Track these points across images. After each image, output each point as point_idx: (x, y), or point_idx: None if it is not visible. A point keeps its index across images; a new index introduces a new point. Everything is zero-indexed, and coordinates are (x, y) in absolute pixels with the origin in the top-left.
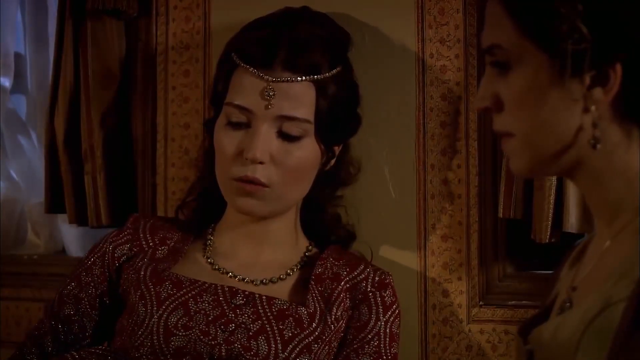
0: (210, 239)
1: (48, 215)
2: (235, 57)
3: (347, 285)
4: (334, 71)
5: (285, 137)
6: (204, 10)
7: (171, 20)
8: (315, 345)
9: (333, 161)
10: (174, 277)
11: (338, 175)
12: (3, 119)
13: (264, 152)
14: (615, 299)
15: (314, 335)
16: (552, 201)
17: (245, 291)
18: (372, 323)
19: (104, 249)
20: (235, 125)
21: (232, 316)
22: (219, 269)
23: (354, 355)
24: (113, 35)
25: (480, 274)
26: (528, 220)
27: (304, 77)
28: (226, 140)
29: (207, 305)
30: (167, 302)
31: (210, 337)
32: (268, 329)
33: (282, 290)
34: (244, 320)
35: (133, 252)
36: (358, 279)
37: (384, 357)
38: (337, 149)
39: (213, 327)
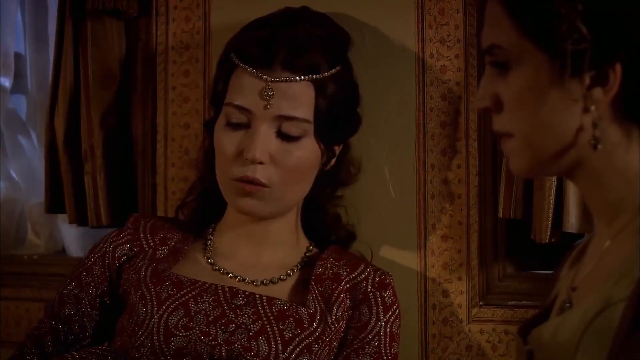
0: (210, 239)
1: (48, 215)
2: (235, 57)
3: (348, 286)
4: (333, 71)
5: (285, 137)
6: (204, 10)
7: (171, 20)
8: (316, 346)
9: (333, 161)
10: (175, 277)
11: (338, 175)
12: (3, 119)
13: (264, 152)
14: (615, 299)
15: (315, 336)
16: (552, 201)
17: (246, 291)
18: (372, 323)
19: (104, 249)
20: (234, 126)
21: (232, 316)
22: (219, 269)
23: (354, 356)
24: (113, 35)
25: (480, 274)
26: (528, 220)
27: (302, 77)
28: (226, 141)
29: (207, 305)
30: (167, 303)
31: (211, 338)
32: (268, 329)
33: (282, 291)
34: (244, 320)
35: (133, 252)
36: (358, 279)
37: (384, 357)
38: (337, 149)
39: (213, 328)
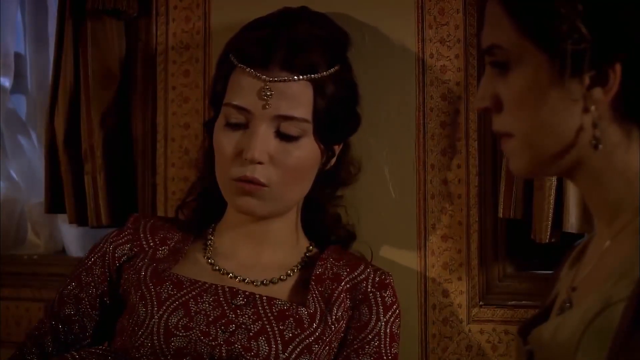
0: (210, 239)
1: (48, 215)
2: (233, 57)
3: (348, 286)
4: (332, 70)
5: (284, 137)
6: (204, 10)
7: (171, 20)
8: (316, 346)
9: (333, 160)
10: (175, 277)
11: (338, 175)
12: (3, 119)
13: (262, 152)
14: (615, 299)
15: (315, 336)
16: (552, 201)
17: (246, 292)
18: (372, 323)
19: (104, 249)
20: (234, 126)
21: (232, 317)
22: (219, 270)
23: (354, 356)
24: (113, 35)
25: (480, 274)
26: (528, 220)
27: (301, 77)
28: (225, 141)
29: (207, 305)
30: (167, 303)
31: (211, 338)
32: (268, 329)
33: (282, 291)
34: (244, 320)
35: (133, 252)
36: (358, 279)
37: (384, 357)
38: (337, 149)
39: (213, 328)
